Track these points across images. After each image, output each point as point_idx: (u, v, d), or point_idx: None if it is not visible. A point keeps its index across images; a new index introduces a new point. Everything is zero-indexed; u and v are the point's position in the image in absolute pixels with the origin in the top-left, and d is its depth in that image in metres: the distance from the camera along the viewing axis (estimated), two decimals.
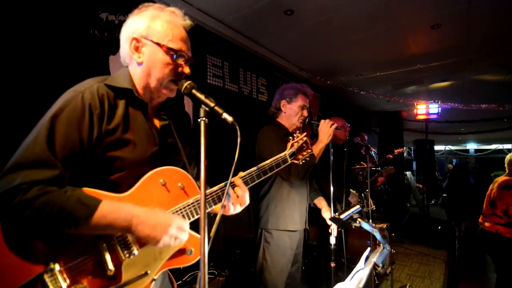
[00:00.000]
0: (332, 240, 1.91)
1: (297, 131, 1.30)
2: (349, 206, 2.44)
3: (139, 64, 0.91)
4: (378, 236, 1.36)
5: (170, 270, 1.17)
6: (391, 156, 4.19)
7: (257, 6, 3.03)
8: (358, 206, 1.66)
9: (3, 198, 0.69)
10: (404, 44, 3.99)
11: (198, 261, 0.67)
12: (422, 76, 5.32)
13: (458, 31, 3.55)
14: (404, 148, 8.79)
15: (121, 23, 2.47)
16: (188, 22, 0.97)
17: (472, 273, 3.88)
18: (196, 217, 0.94)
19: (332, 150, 1.97)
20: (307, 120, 2.03)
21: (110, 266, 0.80)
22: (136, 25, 0.90)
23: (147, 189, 0.89)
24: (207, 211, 0.91)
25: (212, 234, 0.77)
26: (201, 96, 0.87)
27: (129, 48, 0.91)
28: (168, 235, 0.80)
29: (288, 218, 1.81)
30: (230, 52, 3.71)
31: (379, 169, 3.32)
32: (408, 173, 8.65)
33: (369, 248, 1.30)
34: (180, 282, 2.78)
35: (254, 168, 1.06)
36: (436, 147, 15.21)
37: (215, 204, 0.98)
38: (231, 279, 2.92)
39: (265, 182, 1.88)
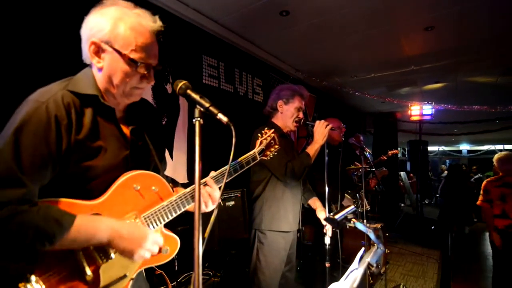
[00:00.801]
0: (327, 240, 1.92)
1: (266, 128, 1.31)
2: (343, 208, 2.46)
3: (99, 69, 0.87)
4: (372, 236, 1.37)
5: (165, 271, 1.19)
6: (385, 157, 4.23)
7: (252, 6, 3.04)
8: (352, 207, 1.67)
9: None
10: (398, 46, 4.03)
11: (193, 262, 0.67)
12: (416, 77, 5.38)
13: (451, 33, 3.60)
14: (399, 149, 8.86)
15: None
16: (156, 25, 0.91)
17: (465, 272, 3.93)
18: (170, 218, 0.96)
19: (327, 150, 1.97)
20: (302, 120, 2.03)
21: (88, 271, 0.80)
22: (98, 26, 0.83)
23: (122, 195, 0.89)
24: (181, 211, 0.98)
25: (206, 235, 0.77)
26: (196, 97, 0.87)
27: (88, 50, 0.85)
28: (144, 249, 0.83)
29: (282, 219, 1.82)
30: (225, 52, 3.71)
31: (373, 169, 3.35)
32: (403, 174, 8.73)
33: (363, 248, 1.31)
34: (175, 283, 2.77)
35: (225, 166, 1.03)
36: (430, 148, 15.38)
37: (188, 204, 0.99)
38: (226, 280, 2.91)
39: (259, 183, 1.88)
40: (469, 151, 17.39)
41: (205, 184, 1.02)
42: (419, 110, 6.05)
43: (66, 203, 0.80)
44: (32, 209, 0.71)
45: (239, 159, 1.15)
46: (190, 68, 3.17)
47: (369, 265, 1.10)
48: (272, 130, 1.29)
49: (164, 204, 0.95)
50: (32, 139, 0.73)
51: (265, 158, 1.26)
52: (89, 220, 0.79)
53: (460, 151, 17.71)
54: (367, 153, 3.43)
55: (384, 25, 3.43)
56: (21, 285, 0.71)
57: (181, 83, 0.90)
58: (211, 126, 1.31)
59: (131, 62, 0.83)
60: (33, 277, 0.73)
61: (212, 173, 1.07)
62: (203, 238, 0.74)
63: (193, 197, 0.97)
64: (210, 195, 1.01)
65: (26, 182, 0.71)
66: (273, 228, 1.80)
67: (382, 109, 8.09)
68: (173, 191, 1.00)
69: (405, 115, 7.49)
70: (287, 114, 1.89)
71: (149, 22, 0.88)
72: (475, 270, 4.12)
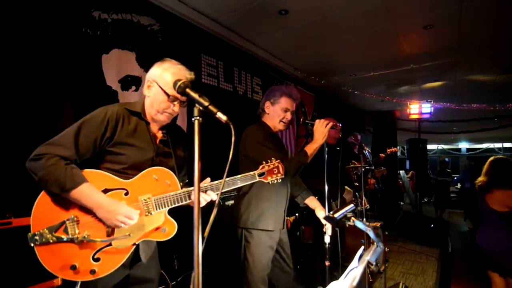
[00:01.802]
0: (327, 239, 1.92)
1: (272, 158, 1.44)
2: (344, 203, 2.46)
3: (147, 96, 1.34)
4: (371, 234, 1.38)
5: (165, 271, 1.34)
6: (383, 155, 4.23)
7: (251, 5, 3.03)
8: (352, 205, 1.67)
9: (36, 157, 1.10)
10: (397, 44, 4.03)
11: (192, 261, 0.67)
12: (415, 76, 5.38)
13: (450, 32, 3.60)
14: (398, 147, 8.88)
15: (114, 22, 2.47)
16: (190, 76, 1.35)
17: (464, 270, 3.94)
18: (174, 205, 1.27)
19: (326, 149, 1.97)
20: (301, 120, 2.05)
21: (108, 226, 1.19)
22: (154, 71, 1.33)
23: (144, 180, 1.26)
24: (182, 203, 1.28)
25: (206, 234, 0.77)
26: (195, 95, 0.88)
27: (145, 85, 1.34)
28: (115, 220, 1.13)
29: (269, 217, 1.80)
30: (224, 51, 3.70)
31: (372, 168, 3.35)
32: (402, 172, 8.75)
33: (362, 247, 1.31)
34: (174, 282, 2.77)
35: (220, 180, 1.28)
36: (429, 146, 15.41)
37: (185, 200, 1.28)
38: (223, 277, 2.91)
39: None
40: (468, 150, 17.43)
41: (205, 191, 1.29)
42: (418, 109, 6.06)
43: (106, 176, 1.21)
44: (65, 166, 1.11)
45: (238, 176, 1.36)
46: (189, 67, 3.14)
47: (369, 264, 1.10)
48: (278, 160, 1.44)
49: (171, 194, 1.26)
50: (88, 129, 1.18)
51: (265, 181, 1.43)
52: (90, 189, 1.13)
53: (459, 150, 17.74)
54: (366, 151, 3.43)
55: (383, 24, 3.43)
56: (67, 221, 1.12)
57: (180, 82, 0.92)
58: (210, 125, 1.33)
59: (166, 94, 1.28)
60: (75, 218, 1.13)
61: (208, 180, 1.33)
62: (203, 238, 0.74)
63: (189, 196, 1.29)
64: (205, 199, 1.30)
65: (73, 150, 1.14)
66: (260, 227, 1.78)
67: (381, 107, 8.09)
68: (181, 188, 1.32)
69: (404, 114, 7.50)
70: (273, 115, 1.91)
71: (185, 73, 1.34)
72: (475, 267, 4.14)
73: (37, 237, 1.06)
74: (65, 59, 2.15)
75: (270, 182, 1.42)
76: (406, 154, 7.51)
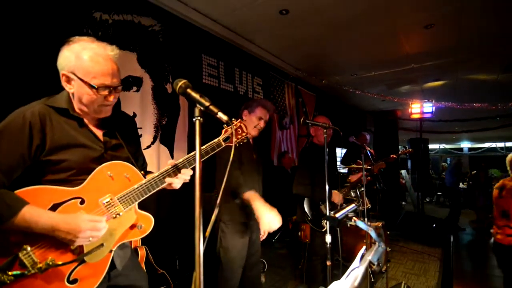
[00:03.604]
0: (328, 239, 1.92)
1: (233, 118, 1.42)
2: (334, 206, 2.50)
3: (72, 93, 1.09)
4: (373, 234, 1.37)
5: (166, 271, 1.27)
6: (395, 156, 4.20)
7: (252, 5, 3.03)
8: (353, 205, 1.67)
9: None
10: (398, 44, 4.02)
11: (194, 261, 0.67)
12: (416, 75, 5.37)
13: (451, 31, 3.59)
14: (400, 147, 8.86)
15: (115, 23, 2.48)
16: (113, 52, 1.09)
17: (466, 270, 3.93)
18: (142, 198, 1.14)
19: (327, 149, 1.98)
20: (302, 119, 2.21)
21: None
22: (66, 59, 1.05)
23: (98, 181, 1.08)
24: (151, 193, 1.14)
25: (207, 234, 0.77)
26: (196, 96, 0.88)
27: (61, 80, 1.08)
28: (81, 238, 0.97)
29: (242, 210, 1.96)
30: (225, 51, 3.71)
31: (371, 167, 3.34)
32: (403, 172, 8.72)
33: (364, 247, 1.31)
34: (177, 281, 2.77)
35: (191, 153, 1.22)
36: (431, 146, 15.35)
37: (157, 187, 1.16)
38: None
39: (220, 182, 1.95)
40: (470, 149, 17.36)
41: (177, 168, 1.20)
42: (420, 108, 6.03)
43: (50, 189, 1.01)
44: None
45: (203, 146, 1.27)
46: (190, 68, 3.17)
47: (370, 264, 1.10)
48: (239, 120, 1.42)
49: (135, 187, 1.12)
50: (7, 140, 0.97)
51: (231, 144, 1.35)
52: (34, 211, 0.94)
53: (461, 149, 17.68)
54: (368, 151, 3.42)
55: (384, 23, 3.42)
56: (20, 253, 0.92)
57: (180, 82, 0.91)
58: (212, 126, 1.32)
59: (92, 87, 1.04)
60: (28, 247, 0.94)
61: (172, 162, 1.21)
62: (204, 237, 0.74)
63: (161, 181, 1.17)
64: (177, 177, 1.20)
65: None
66: (234, 219, 1.96)
67: (382, 107, 8.07)
68: (144, 177, 1.17)
69: (405, 113, 7.47)
70: (249, 122, 2.08)
71: (107, 50, 1.08)
72: (477, 268, 4.12)
73: None
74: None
75: (237, 144, 1.37)
76: (407, 154, 7.48)
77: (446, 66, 4.85)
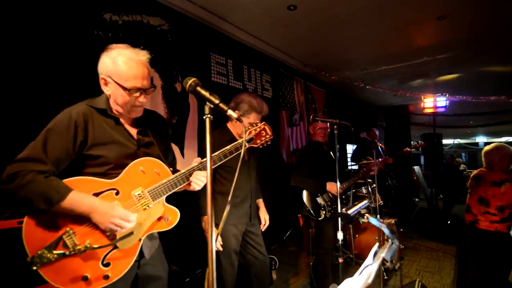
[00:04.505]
0: (339, 236, 1.91)
1: (258, 121, 1.48)
2: (331, 196, 2.58)
3: (109, 95, 1.21)
4: (386, 231, 1.35)
5: (180, 267, 1.31)
6: (409, 150, 4.10)
7: (260, 1, 3.02)
8: (365, 201, 1.64)
9: (8, 179, 1.01)
10: (409, 37, 3.93)
11: (205, 257, 0.67)
12: (429, 69, 5.24)
13: (464, 21, 3.48)
14: (412, 142, 8.68)
15: (124, 24, 2.50)
16: (145, 57, 1.20)
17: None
18: (169, 192, 1.23)
19: (338, 146, 1.96)
20: (311, 117, 2.12)
21: None
22: (104, 64, 1.19)
23: (131, 175, 1.19)
24: (179, 187, 1.24)
25: (219, 231, 0.77)
26: (205, 94, 0.89)
27: (100, 83, 1.21)
28: (112, 224, 1.08)
29: (233, 212, 1.91)
30: (233, 49, 3.70)
31: (387, 156, 3.27)
32: (416, 168, 8.54)
33: (377, 244, 1.29)
34: (188, 279, 2.81)
35: (216, 152, 1.32)
36: (445, 141, 14.99)
37: (183, 183, 1.25)
38: None
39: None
40: (486, 144, 16.86)
41: (204, 168, 1.26)
42: (433, 102, 5.87)
43: (91, 180, 1.14)
44: (45, 179, 1.04)
45: (228, 146, 1.35)
46: (198, 67, 3.19)
47: (384, 261, 1.08)
48: (263, 122, 1.48)
49: (163, 182, 1.22)
50: (56, 136, 1.10)
51: (255, 145, 1.46)
52: (79, 195, 1.07)
53: (476, 144, 17.19)
54: (380, 147, 3.37)
55: (395, 16, 3.34)
56: (64, 235, 1.06)
57: (190, 81, 0.92)
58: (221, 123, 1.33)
59: (125, 90, 1.16)
60: (71, 230, 1.07)
61: (199, 160, 1.31)
62: (216, 234, 0.74)
63: (187, 178, 1.26)
64: (198, 179, 1.28)
65: (47, 162, 1.07)
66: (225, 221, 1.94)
67: (394, 102, 7.92)
68: (173, 174, 1.27)
69: (418, 108, 7.31)
70: (240, 127, 1.94)
71: (140, 56, 1.19)
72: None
73: (36, 259, 1.01)
74: (78, 61, 2.19)
75: (260, 146, 1.46)
76: (420, 149, 7.32)
77: (460, 59, 4.71)
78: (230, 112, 0.87)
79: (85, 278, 1.07)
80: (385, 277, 3.01)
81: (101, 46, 2.42)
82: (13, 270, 1.52)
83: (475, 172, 2.70)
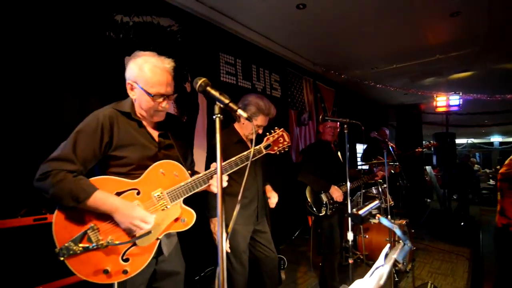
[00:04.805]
0: (350, 236, 1.89)
1: (276, 128, 1.50)
2: (330, 198, 2.58)
3: (134, 99, 1.29)
4: (398, 232, 1.33)
5: (189, 265, 1.46)
6: (420, 150, 4.01)
7: (269, 1, 3.01)
8: (376, 202, 1.62)
9: (42, 177, 1.10)
10: (421, 34, 3.85)
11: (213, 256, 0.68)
12: (441, 67, 5.12)
13: (479, 18, 3.39)
14: (424, 141, 8.51)
15: (135, 25, 2.54)
16: (169, 65, 1.28)
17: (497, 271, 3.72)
18: (187, 195, 1.29)
19: (348, 145, 1.94)
20: (321, 116, 2.13)
21: None
22: (131, 70, 1.26)
23: (151, 177, 1.26)
24: (196, 190, 1.29)
25: (229, 229, 0.78)
26: (215, 93, 0.89)
27: (126, 87, 1.28)
28: (131, 224, 1.15)
29: (241, 213, 1.92)
30: (242, 49, 3.71)
31: (397, 164, 3.23)
32: (428, 168, 8.37)
33: (388, 245, 1.26)
34: (197, 277, 2.83)
35: (234, 158, 1.36)
36: (458, 141, 14.64)
37: (200, 186, 1.30)
38: None
39: None
40: (501, 143, 16.38)
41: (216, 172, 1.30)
42: (446, 101, 5.74)
43: (115, 180, 1.22)
44: (73, 178, 1.12)
45: (245, 152, 1.38)
46: (207, 67, 3.20)
47: (396, 262, 1.07)
48: (282, 129, 1.52)
49: (181, 184, 1.27)
50: (85, 137, 1.18)
51: (273, 152, 1.50)
52: (103, 195, 1.14)
53: (491, 143, 16.72)
54: (390, 147, 3.31)
55: (406, 13, 3.28)
56: (89, 230, 1.14)
57: (200, 81, 0.93)
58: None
59: (150, 95, 1.22)
60: (95, 226, 1.16)
61: (222, 163, 1.32)
62: (226, 233, 0.75)
63: (204, 181, 1.31)
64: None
65: (76, 162, 1.15)
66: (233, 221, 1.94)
67: (405, 101, 7.78)
68: (191, 177, 1.33)
69: (430, 107, 7.16)
70: (247, 128, 1.97)
71: (164, 64, 1.26)
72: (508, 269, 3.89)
73: (64, 251, 1.10)
74: (91, 62, 2.24)
75: (278, 153, 1.50)
76: (432, 149, 7.17)
77: (474, 56, 4.59)
78: (240, 111, 0.88)
79: (106, 271, 1.14)
80: (396, 279, 2.96)
81: (112, 47, 2.48)
82: (29, 265, 1.56)
83: (502, 171, 2.53)
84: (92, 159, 1.20)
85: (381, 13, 3.25)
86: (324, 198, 2.58)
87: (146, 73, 1.22)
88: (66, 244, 1.10)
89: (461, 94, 5.64)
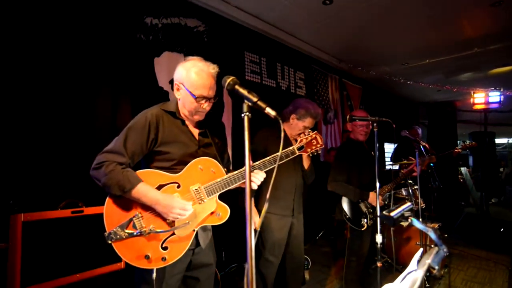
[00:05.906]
0: (378, 239, 1.82)
1: (312, 125, 1.58)
2: (370, 206, 2.41)
3: (179, 99, 1.41)
4: (433, 236, 1.26)
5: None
6: (459, 150, 3.77)
7: None
8: (409, 204, 1.55)
9: (97, 166, 1.24)
10: (458, 26, 3.61)
11: (238, 253, 0.68)
12: (480, 61, 4.78)
13: None
14: (459, 141, 8.01)
15: (164, 26, 2.62)
16: (214, 70, 1.39)
17: None
18: (223, 190, 1.37)
19: (377, 145, 1.86)
20: (348, 116, 2.15)
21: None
22: (179, 73, 1.37)
23: (191, 172, 1.37)
24: (230, 187, 1.37)
25: (258, 227, 0.78)
26: (244, 92, 0.90)
27: (173, 88, 1.41)
28: (172, 213, 1.25)
29: (276, 203, 2.01)
30: (267, 47, 3.70)
31: (433, 154, 3.01)
32: (463, 169, 7.87)
33: (421, 249, 1.20)
34: (223, 273, 2.88)
35: (268, 157, 1.43)
36: (497, 140, 13.59)
37: (235, 183, 1.37)
38: None
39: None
40: None
41: (254, 169, 1.41)
42: (484, 98, 5.33)
43: (158, 173, 1.33)
44: (122, 170, 1.24)
45: (279, 152, 1.32)
46: (233, 66, 3.23)
47: (431, 268, 1.01)
48: (315, 132, 1.57)
49: (218, 180, 1.36)
50: (135, 134, 1.31)
51: (306, 153, 1.56)
52: (146, 188, 1.25)
53: None
54: (422, 146, 3.14)
55: (441, 3, 3.09)
56: (134, 218, 1.26)
57: (229, 79, 0.94)
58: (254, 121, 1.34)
59: (193, 96, 1.33)
60: (139, 214, 1.27)
61: (258, 162, 1.42)
62: (255, 231, 0.75)
63: (239, 178, 1.38)
64: (258, 179, 1.40)
65: (126, 156, 1.27)
66: (269, 210, 1.99)
67: (437, 98, 7.37)
68: (227, 173, 1.41)
69: (466, 104, 6.71)
70: (295, 128, 2.11)
71: (209, 69, 1.37)
72: None
73: (112, 235, 1.21)
74: (123, 63, 2.35)
75: (310, 154, 1.56)
76: (469, 149, 6.73)
77: None
78: (268, 109, 0.87)
79: (147, 257, 1.25)
80: (427, 285, 2.82)
81: (142, 48, 2.57)
82: (69, 255, 1.67)
83: None
84: (139, 153, 1.32)
85: (414, 4, 3.09)
86: (363, 207, 2.39)
87: (192, 76, 1.33)
88: (114, 229, 1.22)
89: (502, 90, 5.23)
